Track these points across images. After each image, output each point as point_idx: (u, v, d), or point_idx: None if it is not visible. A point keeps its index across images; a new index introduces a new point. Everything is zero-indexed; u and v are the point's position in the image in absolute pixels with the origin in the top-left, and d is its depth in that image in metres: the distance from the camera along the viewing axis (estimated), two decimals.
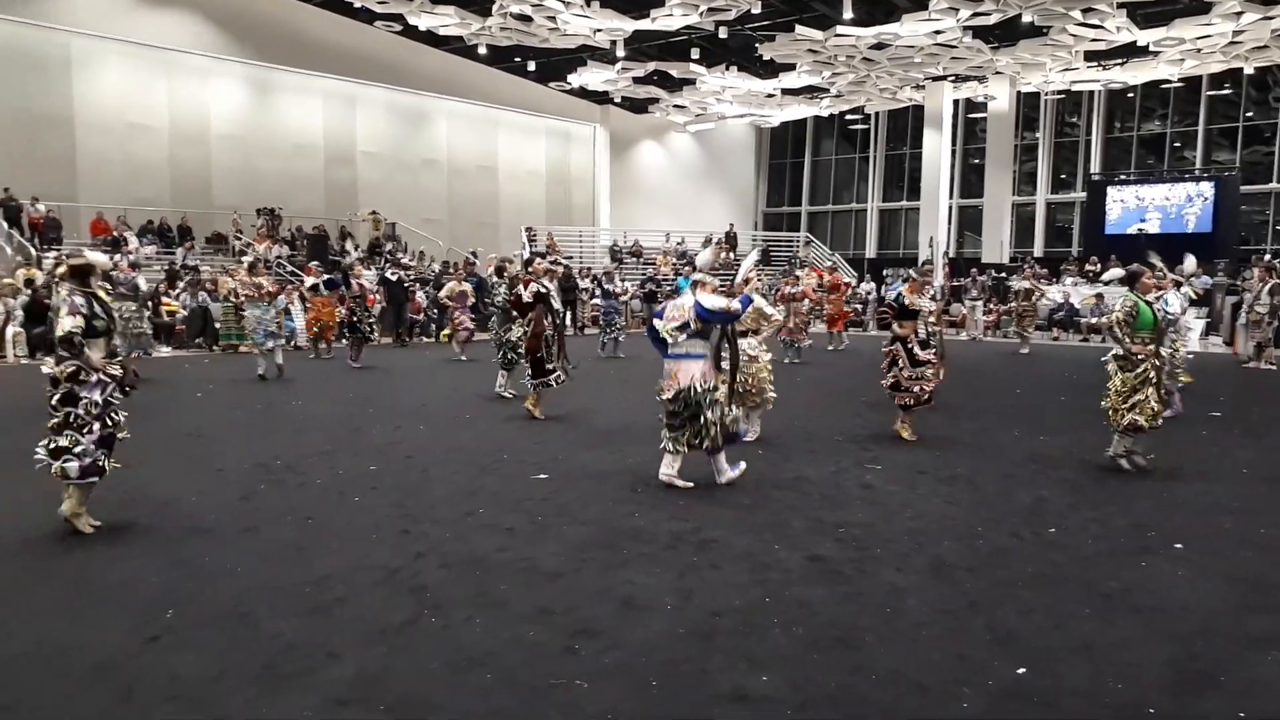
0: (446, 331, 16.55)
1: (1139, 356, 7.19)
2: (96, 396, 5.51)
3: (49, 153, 21.81)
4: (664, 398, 6.71)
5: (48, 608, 4.37)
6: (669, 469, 6.70)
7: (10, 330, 16.11)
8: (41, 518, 5.82)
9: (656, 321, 6.83)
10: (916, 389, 8.53)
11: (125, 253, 20.41)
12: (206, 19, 24.18)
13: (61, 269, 5.69)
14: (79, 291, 5.52)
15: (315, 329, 16.81)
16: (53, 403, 5.51)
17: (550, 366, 9.75)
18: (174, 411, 10.19)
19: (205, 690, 3.51)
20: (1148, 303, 7.37)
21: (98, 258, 5.96)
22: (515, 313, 10.24)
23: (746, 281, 7.75)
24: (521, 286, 9.97)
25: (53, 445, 5.47)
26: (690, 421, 6.60)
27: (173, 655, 3.81)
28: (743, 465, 6.89)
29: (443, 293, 17.49)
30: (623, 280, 20.93)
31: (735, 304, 6.80)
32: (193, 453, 7.89)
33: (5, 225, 20.03)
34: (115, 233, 21.76)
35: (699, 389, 6.57)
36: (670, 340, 6.66)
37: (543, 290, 9.84)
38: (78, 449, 5.44)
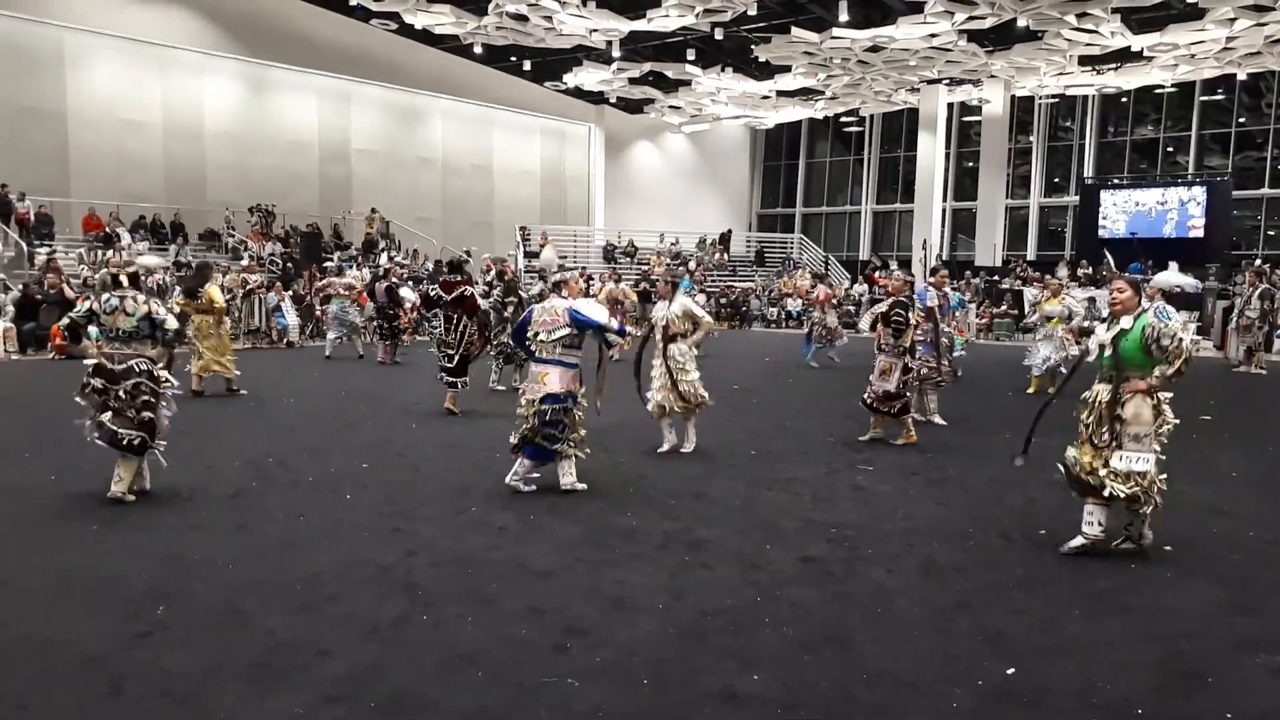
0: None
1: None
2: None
3: (41, 148, 21.73)
4: (527, 398, 6.47)
5: (37, 601, 4.36)
6: (570, 475, 6.50)
7: (1, 325, 16.04)
8: (30, 510, 5.82)
9: (533, 329, 6.58)
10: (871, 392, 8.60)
11: (118, 249, 20.38)
12: (201, 15, 24.12)
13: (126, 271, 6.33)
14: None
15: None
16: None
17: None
18: None
19: (195, 686, 3.50)
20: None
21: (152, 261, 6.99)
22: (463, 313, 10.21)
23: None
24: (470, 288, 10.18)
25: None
26: (545, 427, 6.37)
27: (163, 651, 3.80)
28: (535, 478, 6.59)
29: (600, 295, 17.77)
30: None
31: (614, 324, 6.75)
32: (184, 449, 7.85)
33: None
34: (107, 229, 21.69)
35: (561, 396, 6.41)
36: (545, 349, 6.49)
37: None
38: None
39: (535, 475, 6.55)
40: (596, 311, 6.73)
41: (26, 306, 16.59)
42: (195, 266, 13.92)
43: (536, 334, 6.56)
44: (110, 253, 19.74)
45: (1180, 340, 5.00)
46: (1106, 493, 5.03)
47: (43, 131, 21.82)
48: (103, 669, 3.63)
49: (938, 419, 9.67)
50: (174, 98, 24.13)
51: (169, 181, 24.11)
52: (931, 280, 10.71)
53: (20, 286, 17.21)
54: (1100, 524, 5.16)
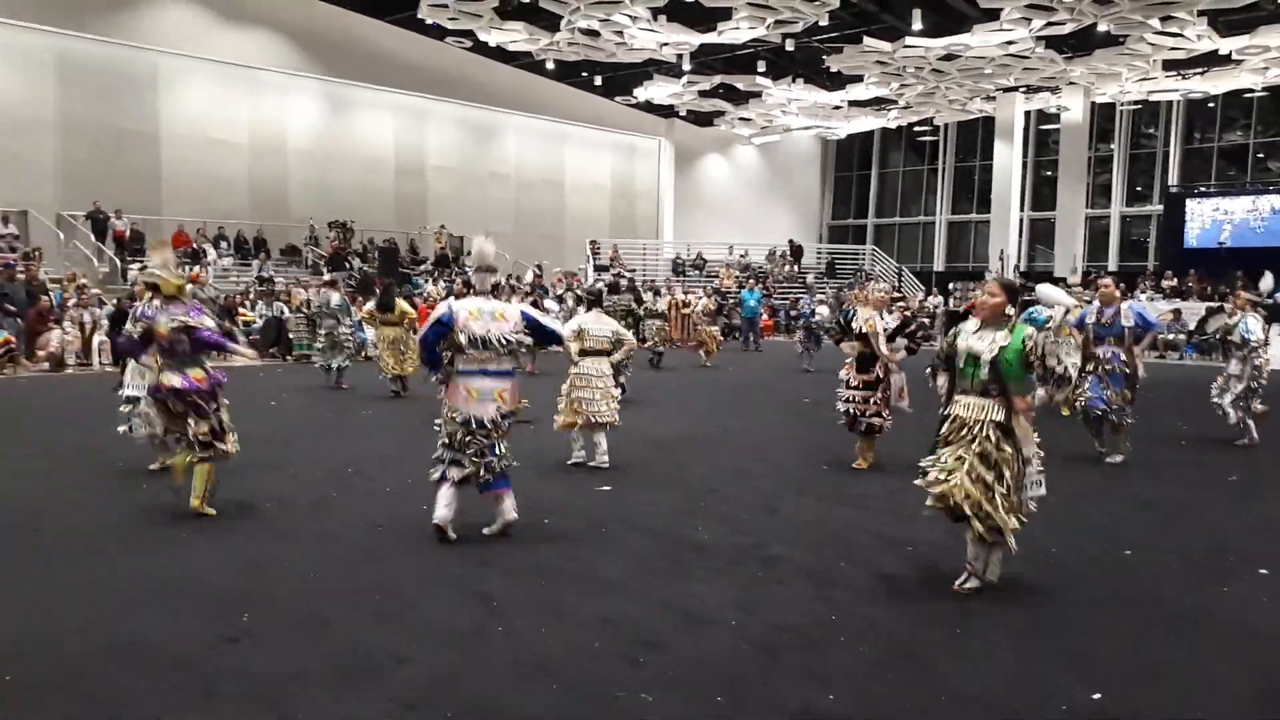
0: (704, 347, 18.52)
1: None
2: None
3: (134, 168, 22.64)
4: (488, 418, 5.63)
5: (127, 603, 4.53)
6: (448, 508, 5.64)
7: (96, 339, 16.70)
8: (116, 514, 6.05)
9: (463, 334, 5.55)
10: (851, 413, 7.84)
11: (205, 264, 21.12)
12: (285, 37, 24.90)
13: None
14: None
15: None
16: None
17: None
18: (249, 418, 10.46)
19: (281, 689, 3.60)
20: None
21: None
22: None
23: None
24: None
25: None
26: (485, 449, 5.66)
27: (250, 654, 3.92)
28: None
29: (698, 308, 19.58)
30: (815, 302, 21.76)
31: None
32: (267, 458, 8.10)
33: (93, 237, 20.87)
34: (195, 245, 22.48)
35: (506, 411, 5.72)
36: (489, 360, 5.61)
37: None
38: None
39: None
40: (550, 319, 6.72)
41: (120, 320, 17.22)
42: (383, 284, 15.75)
43: (470, 339, 5.53)
44: (197, 268, 20.50)
45: (1069, 367, 4.48)
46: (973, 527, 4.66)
47: (136, 152, 22.74)
48: (195, 670, 3.76)
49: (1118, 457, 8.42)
50: (260, 117, 24.97)
51: (254, 198, 24.92)
52: (1101, 292, 8.70)
53: (115, 301, 17.90)
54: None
